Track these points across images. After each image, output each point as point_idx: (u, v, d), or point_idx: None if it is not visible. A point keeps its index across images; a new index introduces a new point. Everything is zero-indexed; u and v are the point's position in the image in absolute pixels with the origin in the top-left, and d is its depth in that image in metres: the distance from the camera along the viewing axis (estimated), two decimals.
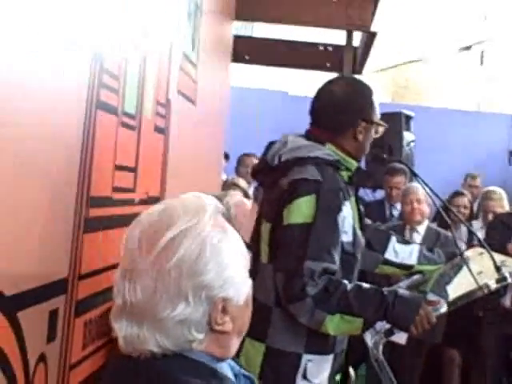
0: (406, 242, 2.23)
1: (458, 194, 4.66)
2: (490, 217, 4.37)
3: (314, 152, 1.85)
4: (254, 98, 7.54)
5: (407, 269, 2.18)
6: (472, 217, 4.65)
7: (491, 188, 4.65)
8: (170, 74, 2.34)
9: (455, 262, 2.14)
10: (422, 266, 2.17)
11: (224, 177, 5.29)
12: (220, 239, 0.97)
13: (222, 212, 1.01)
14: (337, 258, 1.79)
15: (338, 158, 1.88)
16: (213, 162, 3.58)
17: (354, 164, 1.93)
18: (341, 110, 1.89)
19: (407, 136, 5.14)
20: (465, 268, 2.03)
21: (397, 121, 5.08)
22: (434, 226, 4.05)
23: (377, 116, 1.95)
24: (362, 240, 1.96)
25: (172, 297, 0.93)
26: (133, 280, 0.94)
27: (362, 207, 2.04)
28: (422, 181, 1.99)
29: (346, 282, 1.79)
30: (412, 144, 5.15)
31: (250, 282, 1.02)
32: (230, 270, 0.97)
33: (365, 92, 1.93)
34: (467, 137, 7.41)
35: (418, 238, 3.90)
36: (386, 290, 1.82)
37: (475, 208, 4.90)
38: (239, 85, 8.24)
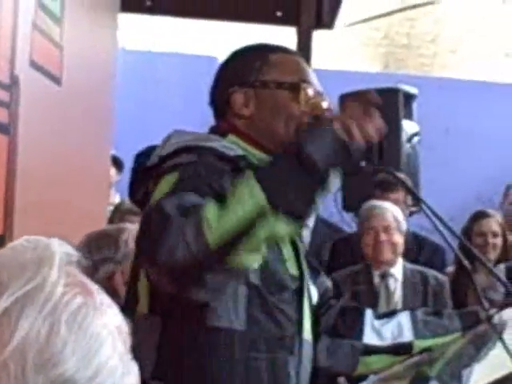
0: (387, 315, 2.25)
1: (480, 215, 4.73)
2: None
3: (209, 142, 2.00)
4: (168, 68, 7.54)
5: (405, 351, 2.18)
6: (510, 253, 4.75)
7: None
8: (17, 36, 2.34)
9: (480, 330, 2.15)
10: (426, 339, 2.17)
11: (116, 198, 5.26)
12: (80, 304, 0.97)
13: (77, 261, 1.02)
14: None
15: (242, 152, 2.01)
16: (94, 176, 3.56)
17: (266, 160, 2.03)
18: (215, 82, 2.16)
19: (408, 126, 5.20)
20: (496, 340, 2.06)
21: (391, 102, 5.12)
22: (410, 265, 4.12)
23: (284, 79, 2.10)
24: (286, 279, 2.00)
25: None
26: None
27: (302, 246, 2.12)
28: (430, 209, 2.03)
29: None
30: (416, 139, 5.22)
31: (134, 367, 1.04)
32: (103, 351, 0.97)
33: (249, 52, 2.18)
34: (507, 127, 7.46)
35: (396, 287, 3.98)
36: None
37: None
38: (144, 47, 8.25)
